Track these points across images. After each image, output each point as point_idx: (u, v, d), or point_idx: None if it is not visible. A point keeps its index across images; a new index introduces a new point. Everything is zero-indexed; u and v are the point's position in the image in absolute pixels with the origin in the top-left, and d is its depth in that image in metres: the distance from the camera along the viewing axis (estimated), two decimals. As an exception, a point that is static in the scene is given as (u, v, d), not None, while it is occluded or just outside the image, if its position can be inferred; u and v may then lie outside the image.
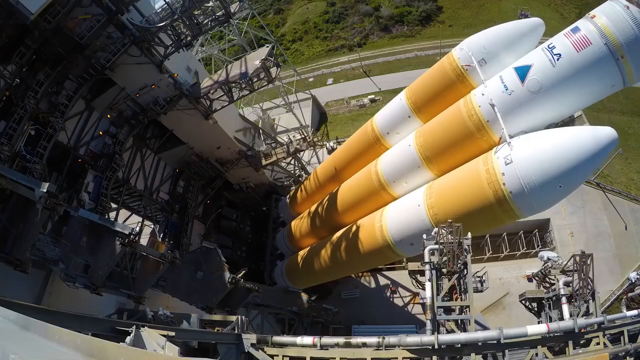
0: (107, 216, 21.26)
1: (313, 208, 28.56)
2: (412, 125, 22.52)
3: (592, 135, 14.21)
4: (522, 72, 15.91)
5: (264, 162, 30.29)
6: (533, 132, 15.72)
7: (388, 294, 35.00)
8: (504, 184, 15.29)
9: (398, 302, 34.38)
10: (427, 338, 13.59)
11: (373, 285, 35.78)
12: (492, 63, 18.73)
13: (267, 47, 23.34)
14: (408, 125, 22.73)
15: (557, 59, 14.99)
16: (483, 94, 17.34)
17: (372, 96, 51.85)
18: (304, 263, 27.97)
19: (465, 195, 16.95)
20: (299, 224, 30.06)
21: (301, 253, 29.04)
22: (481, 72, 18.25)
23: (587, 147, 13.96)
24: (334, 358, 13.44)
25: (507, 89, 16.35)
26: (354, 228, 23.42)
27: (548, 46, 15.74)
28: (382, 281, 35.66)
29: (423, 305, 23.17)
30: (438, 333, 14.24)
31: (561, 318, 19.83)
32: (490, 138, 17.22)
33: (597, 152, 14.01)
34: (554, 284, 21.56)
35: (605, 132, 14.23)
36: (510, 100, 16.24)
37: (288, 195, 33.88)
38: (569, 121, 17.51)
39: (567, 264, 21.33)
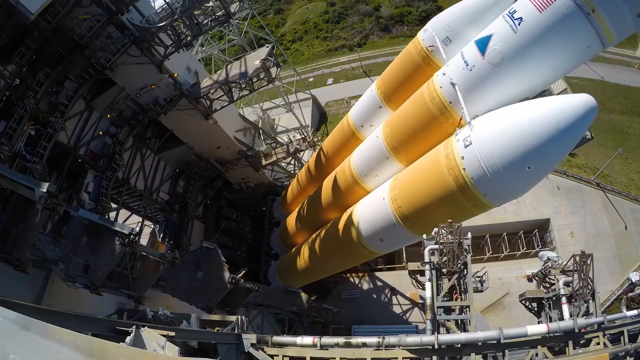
0: (107, 216, 21.27)
1: (299, 207, 28.54)
2: (383, 115, 21.54)
3: (563, 106, 12.17)
4: (482, 44, 14.06)
5: (264, 162, 30.31)
6: (497, 109, 13.97)
7: (388, 294, 34.99)
8: (464, 169, 13.63)
9: (398, 302, 34.37)
10: (427, 338, 13.59)
11: (373, 285, 35.77)
12: (458, 41, 17.24)
13: (267, 47, 23.35)
14: (380, 116, 21.83)
15: (519, 24, 13.10)
16: (444, 74, 15.88)
17: (372, 96, 51.78)
18: (291, 263, 27.95)
19: (427, 185, 15.63)
20: (288, 224, 30.06)
21: (290, 252, 29.03)
22: (444, 51, 17.02)
23: (557, 119, 11.95)
24: (334, 358, 13.43)
25: (467, 65, 14.64)
26: (330, 226, 23.21)
27: (509, 12, 13.93)
28: (382, 281, 35.66)
29: (423, 305, 23.11)
30: (438, 333, 14.21)
31: (561, 318, 19.84)
32: (455, 121, 15.70)
33: (570, 124, 11.93)
34: (554, 284, 21.57)
35: (579, 101, 12.09)
36: (472, 77, 14.55)
37: (281, 195, 33.92)
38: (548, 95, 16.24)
39: (567, 264, 21.34)
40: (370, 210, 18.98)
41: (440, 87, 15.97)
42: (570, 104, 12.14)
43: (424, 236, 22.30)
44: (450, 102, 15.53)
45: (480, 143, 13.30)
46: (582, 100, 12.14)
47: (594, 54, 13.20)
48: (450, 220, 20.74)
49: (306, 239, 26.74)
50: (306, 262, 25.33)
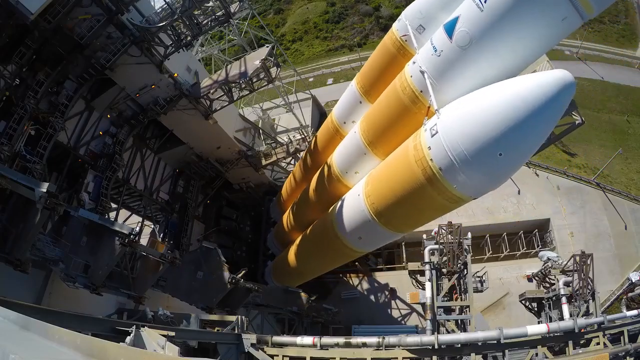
0: (107, 216, 21.26)
1: (291, 207, 28.47)
2: (363, 110, 20.97)
3: (534, 84, 10.87)
4: (450, 27, 13.16)
5: (264, 162, 30.31)
6: (467, 95, 12.97)
7: (388, 294, 35.01)
8: (431, 159, 12.76)
9: (398, 302, 34.38)
10: (427, 338, 13.59)
11: (373, 285, 35.79)
12: (431, 28, 16.41)
13: (267, 47, 23.34)
14: (360, 111, 21.29)
15: (485, 1, 12.18)
16: (414, 62, 15.14)
17: (372, 96, 51.79)
18: (284, 263, 27.85)
19: (397, 179, 14.85)
20: (281, 223, 29.99)
21: (283, 252, 29.00)
22: (416, 40, 16.34)
23: (528, 99, 10.78)
24: (334, 358, 13.44)
25: (436, 51, 13.81)
26: (314, 224, 23.05)
27: None
28: (382, 281, 35.68)
29: (423, 305, 23.08)
30: (438, 333, 14.20)
31: (561, 318, 19.87)
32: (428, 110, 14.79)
33: (543, 104, 10.68)
34: (554, 284, 21.60)
35: (552, 77, 10.74)
36: (441, 62, 13.73)
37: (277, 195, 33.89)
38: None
39: (567, 264, 21.36)
40: (347, 207, 18.45)
41: (411, 76, 15.32)
42: (542, 82, 10.77)
43: (424, 236, 22.35)
44: (421, 92, 14.79)
45: (446, 131, 12.35)
46: (555, 77, 10.68)
47: (572, 27, 12.01)
48: (449, 221, 20.76)
49: (297, 238, 26.77)
50: (296, 262, 25.28)
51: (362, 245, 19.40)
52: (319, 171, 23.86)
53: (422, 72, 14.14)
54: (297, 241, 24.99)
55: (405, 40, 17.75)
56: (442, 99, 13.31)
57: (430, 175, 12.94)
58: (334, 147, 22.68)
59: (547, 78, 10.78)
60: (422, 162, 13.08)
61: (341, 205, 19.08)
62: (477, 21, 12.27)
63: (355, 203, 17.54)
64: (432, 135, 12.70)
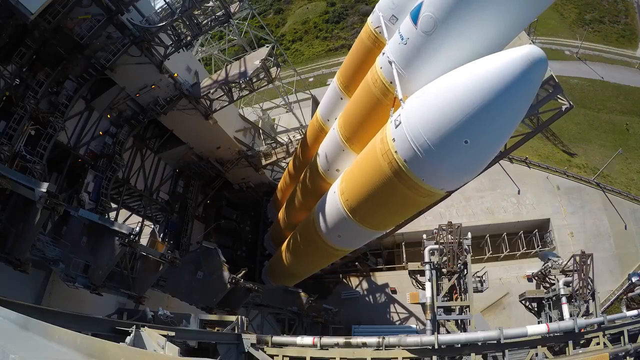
0: (107, 216, 21.26)
1: (283, 206, 28.44)
2: (344, 106, 20.44)
3: (499, 63, 9.85)
4: (415, 13, 12.53)
5: (264, 162, 30.30)
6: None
7: (388, 294, 35.00)
8: (395, 151, 12.10)
9: (398, 302, 34.37)
10: (427, 338, 13.58)
11: (373, 285, 35.78)
12: (403, 17, 15.46)
13: (267, 47, 23.35)
14: (341, 107, 20.70)
15: None
16: (384, 53, 14.61)
17: (372, 96, 51.73)
18: (277, 262, 27.81)
19: (366, 174, 14.34)
20: (276, 223, 29.96)
21: (277, 252, 28.97)
22: (388, 30, 15.76)
23: (491, 80, 9.75)
24: (334, 358, 13.43)
25: (402, 39, 13.18)
26: (300, 223, 22.98)
27: None
28: (382, 281, 35.67)
29: (423, 305, 23.07)
30: (438, 333, 14.19)
31: (561, 318, 19.86)
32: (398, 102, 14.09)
33: (508, 84, 9.59)
34: (554, 284, 21.59)
35: (518, 54, 9.57)
36: (407, 50, 13.09)
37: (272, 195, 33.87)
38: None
39: (567, 264, 21.36)
40: (326, 205, 18.10)
41: (381, 67, 14.87)
42: (507, 60, 9.67)
43: (424, 236, 22.35)
44: (391, 83, 14.09)
45: (408, 120, 11.63)
46: (522, 53, 9.52)
47: (542, 6, 11.41)
48: (449, 221, 20.73)
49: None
50: (287, 262, 25.24)
51: (342, 244, 19.13)
52: (305, 170, 23.84)
53: (391, 62, 13.62)
54: (286, 241, 24.97)
55: (380, 32, 17.34)
56: (412, 89, 12.54)
57: (396, 168, 12.31)
58: (319, 145, 22.49)
59: (512, 55, 9.67)
60: (388, 155, 12.45)
61: (321, 203, 18.77)
62: (441, 3, 11.61)
63: (332, 200, 17.22)
64: (396, 127, 12.04)
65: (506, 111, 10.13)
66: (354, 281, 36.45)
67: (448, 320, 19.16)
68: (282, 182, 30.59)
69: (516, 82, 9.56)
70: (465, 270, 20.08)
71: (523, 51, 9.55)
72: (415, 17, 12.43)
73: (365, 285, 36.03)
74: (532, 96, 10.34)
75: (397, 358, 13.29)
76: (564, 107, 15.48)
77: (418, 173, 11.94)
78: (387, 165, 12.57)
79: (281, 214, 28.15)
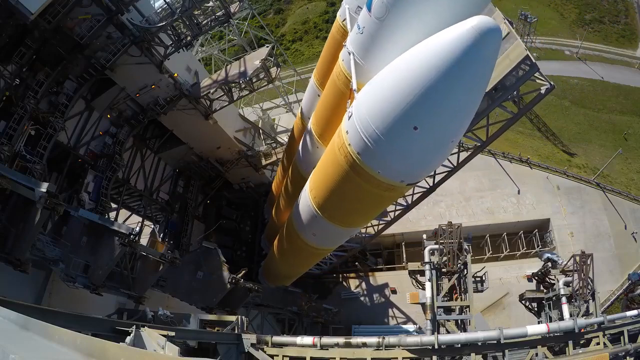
0: (107, 216, 21.25)
1: (274, 206, 28.42)
2: None
3: (442, 40, 8.84)
4: (369, 1, 12.06)
5: (264, 162, 30.30)
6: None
7: (388, 294, 35.01)
8: (349, 144, 11.63)
9: (398, 302, 34.38)
10: (427, 338, 13.57)
11: (373, 285, 35.79)
12: None
13: (267, 47, 23.34)
14: None
15: None
16: (345, 45, 14.21)
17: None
18: (269, 262, 27.80)
19: (327, 170, 13.97)
20: (269, 223, 29.88)
21: (269, 253, 28.91)
22: (352, 22, 15.10)
23: (436, 59, 8.79)
24: (334, 358, 13.42)
25: (359, 29, 12.74)
26: (285, 223, 22.67)
27: None
28: (382, 281, 35.67)
29: (423, 305, 23.07)
30: (438, 333, 14.18)
31: (561, 318, 19.86)
32: None
33: (454, 61, 8.56)
34: (554, 284, 21.59)
35: (464, 28, 8.45)
36: (364, 40, 12.62)
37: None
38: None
39: (567, 264, 21.36)
40: (300, 203, 17.89)
41: (342, 60, 14.46)
42: (453, 35, 8.59)
43: (424, 236, 22.36)
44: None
45: (358, 111, 11.12)
46: (470, 26, 8.37)
47: None
48: (449, 221, 20.73)
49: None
50: (276, 262, 25.26)
51: (319, 243, 18.93)
52: (289, 168, 23.77)
53: (349, 54, 13.26)
54: (275, 241, 24.97)
55: (347, 25, 16.69)
56: (370, 78, 11.93)
57: (351, 162, 11.81)
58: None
59: (459, 29, 8.58)
60: (343, 148, 11.96)
61: (297, 202, 18.59)
62: None
63: (304, 198, 16.97)
64: (349, 118, 11.54)
65: (457, 91, 9.13)
66: (354, 281, 36.47)
67: (448, 320, 19.16)
68: (275, 181, 30.63)
69: (464, 58, 8.49)
70: (465, 270, 20.09)
71: (471, 23, 8.42)
72: (369, 5, 11.97)
73: (365, 285, 36.03)
74: (486, 73, 9.19)
75: (397, 358, 13.28)
76: (543, 88, 14.37)
77: (372, 165, 11.39)
78: (344, 159, 12.13)
79: (273, 214, 28.24)
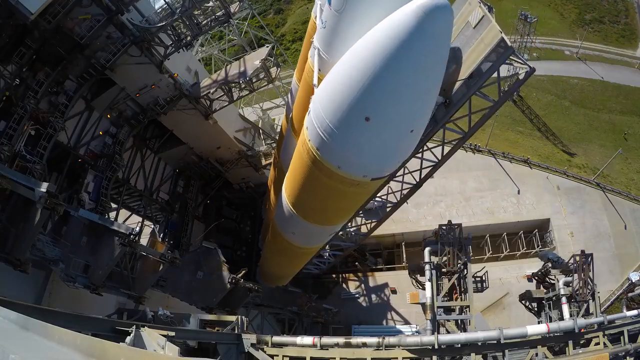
0: (107, 216, 21.25)
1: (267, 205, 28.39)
2: None
3: (389, 24, 8.26)
4: None
5: (263, 162, 30.28)
6: None
7: (388, 294, 35.02)
8: (309, 140, 11.41)
9: (398, 302, 34.38)
10: (427, 338, 13.59)
11: (373, 285, 35.80)
12: None
13: (267, 47, 23.33)
14: None
15: None
16: (312, 41, 14.04)
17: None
18: (262, 263, 27.80)
19: (295, 167, 13.80)
20: (264, 223, 29.89)
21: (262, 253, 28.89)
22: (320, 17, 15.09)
23: (381, 44, 8.27)
24: (334, 358, 13.43)
25: (323, 23, 12.46)
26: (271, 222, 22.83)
27: None
28: (382, 281, 35.69)
29: (423, 305, 23.09)
30: (438, 333, 14.17)
31: (561, 318, 19.87)
32: None
33: (400, 44, 8.02)
34: (554, 284, 21.60)
35: (410, 9, 7.92)
36: (327, 34, 12.36)
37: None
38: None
39: (567, 264, 21.36)
40: (279, 201, 17.76)
41: (310, 57, 14.30)
42: (397, 18, 8.03)
43: (424, 236, 22.34)
44: (320, 70, 13.39)
45: (314, 105, 10.85)
46: (415, 6, 7.85)
47: None
48: (449, 221, 20.73)
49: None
50: (267, 261, 25.29)
51: (300, 241, 18.82)
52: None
53: (315, 49, 13.15)
54: (265, 240, 24.95)
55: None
56: None
57: (313, 157, 11.57)
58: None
59: (403, 11, 8.00)
60: (305, 144, 11.77)
61: (278, 201, 18.43)
62: None
63: (282, 196, 16.92)
64: (309, 114, 11.25)
65: (406, 77, 8.51)
66: (353, 281, 36.48)
67: (448, 320, 19.17)
68: (268, 180, 30.66)
69: (409, 40, 7.88)
70: (465, 270, 20.09)
71: (416, 3, 7.87)
72: None
73: (365, 285, 36.05)
74: (437, 54, 8.51)
75: (397, 358, 13.30)
76: (522, 72, 13.52)
77: (331, 160, 11.09)
78: (307, 155, 11.89)
79: (266, 213, 28.28)
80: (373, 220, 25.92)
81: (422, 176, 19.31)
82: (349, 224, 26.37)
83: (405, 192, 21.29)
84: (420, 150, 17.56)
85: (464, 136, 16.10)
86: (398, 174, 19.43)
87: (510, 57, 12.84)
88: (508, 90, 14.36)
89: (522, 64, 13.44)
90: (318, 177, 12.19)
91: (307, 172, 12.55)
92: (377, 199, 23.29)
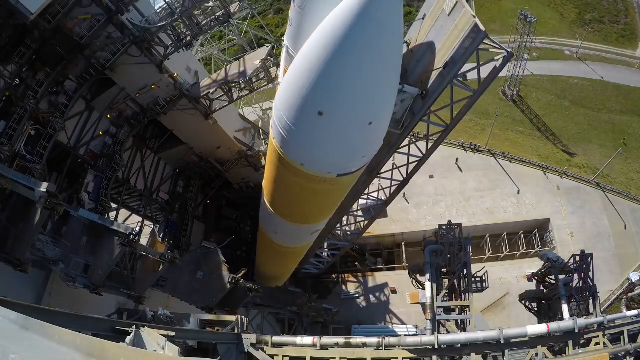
0: (107, 216, 21.25)
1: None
2: None
3: (334, 13, 7.89)
4: None
5: (263, 162, 30.25)
6: None
7: (388, 294, 35.02)
8: (274, 138, 11.32)
9: (398, 302, 34.39)
10: (427, 338, 13.58)
11: (373, 285, 35.81)
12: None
13: (267, 47, 23.32)
14: None
15: None
16: (283, 40, 13.90)
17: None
18: (256, 262, 27.80)
19: (268, 166, 13.68)
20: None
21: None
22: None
23: (326, 35, 7.98)
24: (334, 358, 13.42)
25: (290, 21, 12.37)
26: None
27: None
28: (382, 281, 35.70)
29: (423, 305, 23.08)
30: (438, 333, 14.16)
31: (561, 318, 19.85)
32: None
33: (342, 33, 7.67)
34: (554, 284, 21.59)
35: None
36: (293, 32, 12.26)
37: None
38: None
39: (567, 264, 21.36)
40: (262, 200, 17.78)
41: (284, 57, 14.26)
42: (340, 6, 7.66)
43: (424, 236, 22.35)
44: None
45: (275, 102, 10.67)
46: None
47: None
48: (449, 221, 20.72)
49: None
50: (258, 261, 25.29)
51: (283, 240, 18.74)
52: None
53: (284, 47, 13.05)
54: (257, 242, 24.97)
55: None
56: None
57: (279, 155, 11.46)
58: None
59: (346, 0, 7.58)
60: (272, 143, 11.75)
61: (261, 200, 18.48)
62: None
63: (262, 195, 16.96)
64: (274, 112, 11.13)
65: (355, 68, 8.10)
66: (353, 281, 36.48)
67: (448, 320, 19.17)
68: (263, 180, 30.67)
69: (354, 29, 7.47)
70: (465, 270, 20.09)
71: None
72: None
73: (365, 285, 36.06)
74: (386, 42, 7.99)
75: (397, 358, 13.30)
76: (499, 58, 12.78)
77: (294, 157, 10.94)
78: (274, 153, 11.86)
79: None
80: (366, 219, 25.88)
81: (409, 171, 18.86)
82: (345, 222, 26.43)
83: (394, 188, 21.01)
84: (407, 145, 17.39)
85: (446, 128, 15.44)
86: (385, 170, 19.27)
87: (485, 42, 12.15)
88: (487, 78, 13.44)
89: (498, 49, 12.63)
90: (286, 175, 12.14)
91: (277, 171, 12.53)
92: (371, 196, 23.30)
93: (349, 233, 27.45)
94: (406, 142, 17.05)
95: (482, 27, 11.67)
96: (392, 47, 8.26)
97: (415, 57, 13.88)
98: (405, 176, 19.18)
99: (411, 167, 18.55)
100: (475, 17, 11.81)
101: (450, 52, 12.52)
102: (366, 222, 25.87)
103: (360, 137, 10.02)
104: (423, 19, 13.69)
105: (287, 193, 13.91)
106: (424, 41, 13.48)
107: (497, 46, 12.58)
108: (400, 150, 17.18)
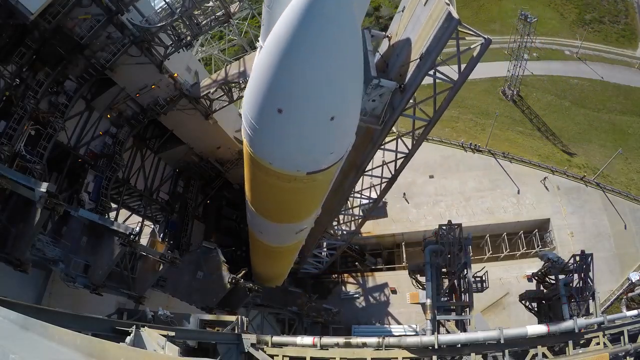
0: (107, 216, 21.26)
1: None
2: None
3: (288, 8, 7.59)
4: None
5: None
6: None
7: (388, 294, 35.02)
8: (244, 137, 11.31)
9: (398, 302, 34.39)
10: (427, 338, 13.59)
11: (373, 285, 35.81)
12: None
13: (267, 47, 23.31)
14: None
15: None
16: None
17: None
18: (251, 263, 27.85)
19: (245, 168, 13.72)
20: None
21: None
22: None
23: (278, 30, 7.82)
24: (334, 358, 13.43)
25: (263, 22, 12.11)
26: None
27: None
28: (382, 281, 35.70)
29: (423, 305, 23.09)
30: (438, 333, 14.16)
31: (561, 318, 19.85)
32: None
33: (290, 25, 7.50)
34: (554, 284, 21.59)
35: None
36: (265, 32, 11.91)
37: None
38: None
39: (567, 264, 21.35)
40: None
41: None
42: (292, 3, 7.43)
43: (424, 236, 22.35)
44: None
45: (243, 102, 10.65)
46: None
47: None
48: (449, 221, 20.72)
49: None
50: (253, 262, 25.31)
51: (268, 240, 18.76)
52: None
53: (259, 47, 12.60)
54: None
55: None
56: None
57: (249, 154, 11.52)
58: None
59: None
60: (244, 143, 11.69)
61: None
62: None
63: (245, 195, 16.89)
64: (242, 112, 11.05)
65: (307, 62, 7.89)
66: (353, 281, 36.48)
67: (448, 320, 19.18)
68: None
69: (301, 21, 7.26)
70: (465, 270, 20.09)
71: None
72: None
73: (364, 285, 36.07)
74: (340, 32, 7.71)
75: (397, 358, 13.30)
76: (477, 45, 12.27)
77: (262, 156, 10.93)
78: (246, 153, 11.87)
79: None
80: (359, 217, 25.87)
81: (397, 167, 18.61)
82: (341, 221, 26.42)
83: (383, 185, 20.88)
84: (394, 140, 17.22)
85: (429, 122, 15.15)
86: (375, 167, 19.16)
87: (462, 30, 11.76)
88: (466, 67, 13.00)
89: (475, 36, 12.11)
90: (258, 174, 12.19)
91: (250, 171, 12.63)
92: (363, 195, 23.31)
93: (344, 232, 27.46)
94: (392, 137, 16.94)
95: (455, 15, 11.33)
96: (345, 38, 7.92)
97: (395, 50, 13.81)
98: (393, 173, 19.03)
99: (399, 162, 18.30)
100: (448, 5, 11.47)
101: (425, 42, 12.19)
102: (360, 221, 25.86)
103: (322, 133, 9.77)
104: (402, 11, 13.49)
105: (263, 192, 13.95)
106: (403, 33, 13.36)
107: (473, 33, 12.11)
108: (388, 147, 17.14)
